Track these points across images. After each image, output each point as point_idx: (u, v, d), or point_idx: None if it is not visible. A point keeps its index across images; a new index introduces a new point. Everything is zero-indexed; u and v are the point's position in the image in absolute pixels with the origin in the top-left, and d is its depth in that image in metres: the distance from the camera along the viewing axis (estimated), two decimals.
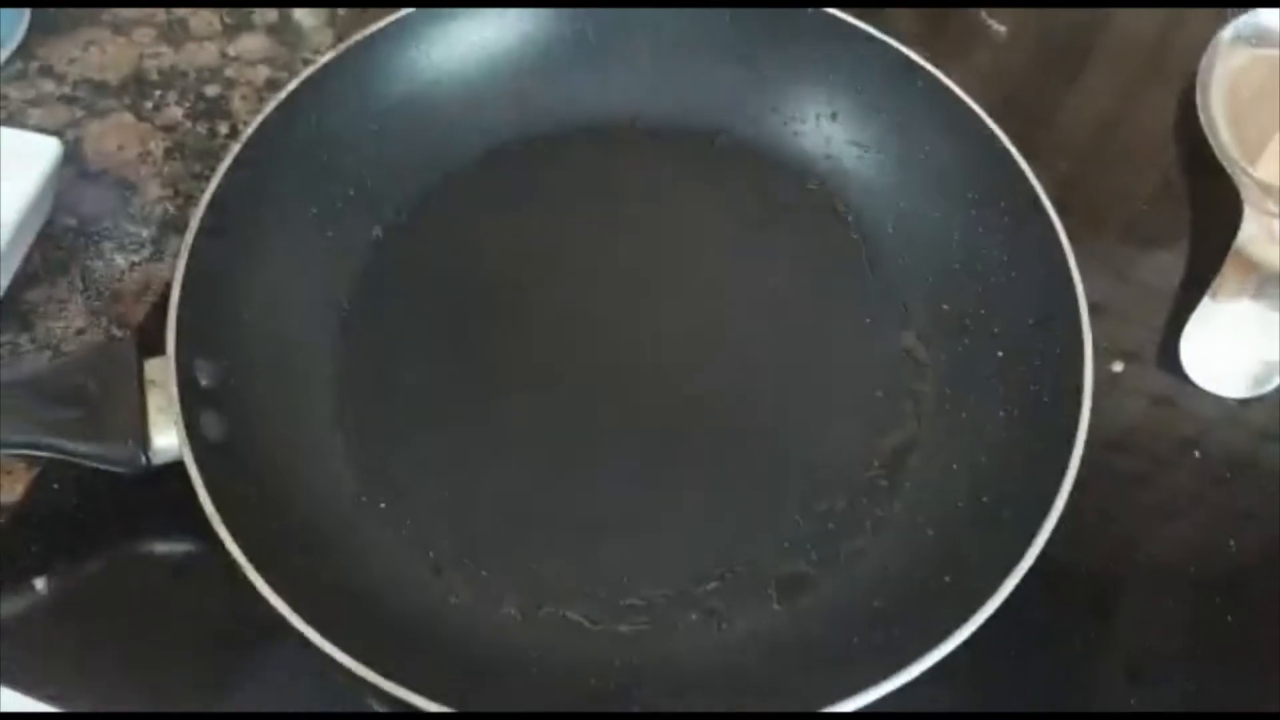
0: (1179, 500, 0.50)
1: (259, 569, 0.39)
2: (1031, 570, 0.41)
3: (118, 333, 0.50)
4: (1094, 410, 0.44)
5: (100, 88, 0.56)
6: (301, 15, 0.60)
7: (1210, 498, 0.50)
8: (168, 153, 0.55)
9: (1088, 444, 0.43)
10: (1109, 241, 0.58)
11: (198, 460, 0.41)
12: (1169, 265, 0.57)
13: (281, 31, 0.59)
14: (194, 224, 0.46)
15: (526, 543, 0.46)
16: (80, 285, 0.51)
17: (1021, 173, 0.50)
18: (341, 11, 0.60)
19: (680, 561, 0.46)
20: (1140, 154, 0.62)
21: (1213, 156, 0.58)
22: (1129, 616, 0.48)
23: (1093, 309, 0.47)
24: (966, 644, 0.40)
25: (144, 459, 0.42)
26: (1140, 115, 0.64)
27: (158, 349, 0.44)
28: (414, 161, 0.54)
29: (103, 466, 0.42)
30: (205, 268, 0.46)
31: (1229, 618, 0.47)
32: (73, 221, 0.52)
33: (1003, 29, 0.64)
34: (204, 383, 0.44)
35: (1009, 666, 0.45)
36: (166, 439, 0.42)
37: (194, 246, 0.45)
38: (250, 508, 0.42)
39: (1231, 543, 0.49)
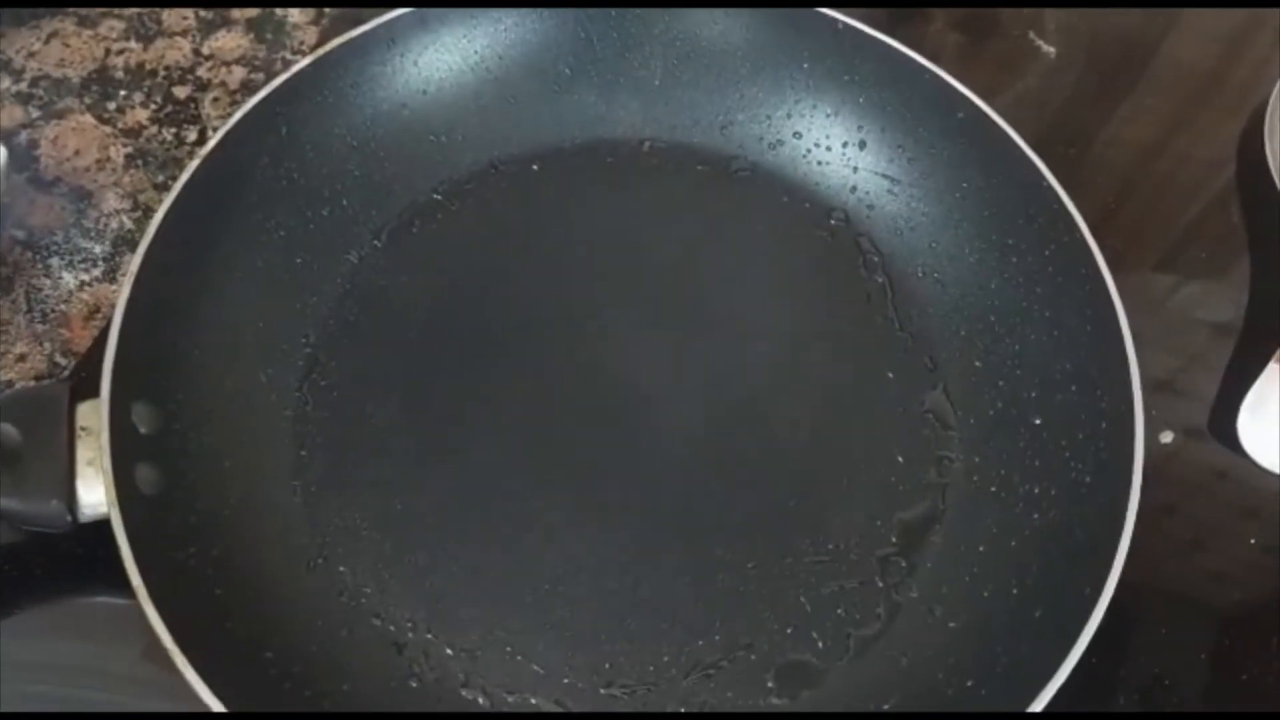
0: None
1: (184, 648, 0.35)
2: None
3: (61, 360, 0.45)
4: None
5: (60, 85, 0.52)
6: (285, 10, 0.55)
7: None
8: (129, 160, 0.50)
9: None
10: (1160, 289, 0.53)
11: (126, 518, 0.36)
12: (1227, 320, 0.52)
13: (262, 28, 0.54)
14: (143, 245, 0.41)
15: (498, 618, 0.41)
16: (24, 305, 0.46)
17: (1070, 218, 0.45)
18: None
19: (668, 646, 0.41)
20: (1198, 190, 0.57)
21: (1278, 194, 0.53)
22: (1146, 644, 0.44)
23: (1140, 368, 0.42)
24: None
25: (70, 517, 0.38)
26: (1198, 147, 0.58)
27: (98, 388, 0.39)
28: (397, 181, 0.49)
29: (25, 526, 0.38)
30: (153, 296, 0.41)
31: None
32: (20, 234, 0.48)
33: (1052, 50, 0.59)
34: (142, 429, 0.39)
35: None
36: (96, 494, 0.38)
37: (141, 271, 0.41)
38: (184, 573, 0.38)
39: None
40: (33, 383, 0.45)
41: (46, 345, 0.46)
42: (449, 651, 0.40)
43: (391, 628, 0.40)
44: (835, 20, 0.48)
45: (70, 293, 0.47)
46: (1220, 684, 0.44)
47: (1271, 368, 0.47)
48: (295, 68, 0.45)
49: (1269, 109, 0.55)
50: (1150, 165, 0.57)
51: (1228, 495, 0.47)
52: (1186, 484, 0.47)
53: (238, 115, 0.44)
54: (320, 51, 0.46)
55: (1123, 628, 0.43)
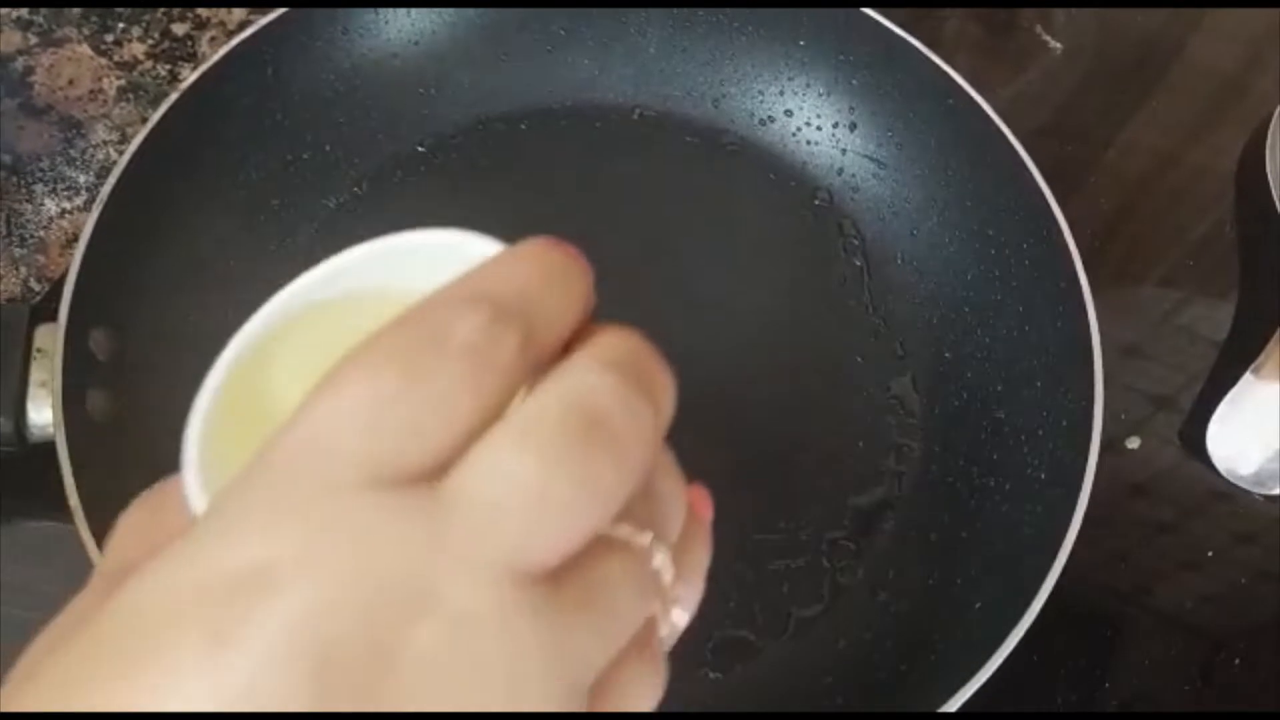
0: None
1: None
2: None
3: (35, 285, 0.46)
4: (1098, 489, 0.39)
5: (60, 14, 0.52)
6: None
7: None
8: (121, 92, 0.50)
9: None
10: (1143, 293, 0.52)
11: (71, 440, 0.37)
12: (1208, 328, 0.51)
13: None
14: (115, 172, 0.41)
15: None
16: (4, 229, 0.47)
17: (1052, 216, 0.44)
18: None
19: None
20: (1194, 199, 0.56)
21: (1275, 212, 0.52)
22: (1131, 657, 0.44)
23: (1112, 370, 0.41)
24: None
25: (19, 436, 0.38)
26: (1200, 156, 0.57)
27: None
28: (382, 131, 0.49)
29: None
30: (122, 225, 0.41)
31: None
32: (7, 158, 0.48)
33: (1059, 46, 0.58)
34: (99, 356, 0.39)
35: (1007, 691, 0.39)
36: (46, 416, 0.38)
37: (111, 198, 0.41)
38: (126, 501, 0.38)
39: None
40: (4, 304, 0.45)
41: (22, 269, 0.46)
42: None
43: None
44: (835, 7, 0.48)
45: (51, 219, 0.47)
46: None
47: (1246, 379, 0.46)
48: (285, 9, 0.45)
49: (1271, 125, 0.54)
50: (1153, 171, 0.56)
51: (1187, 502, 0.47)
52: (1145, 489, 0.46)
53: (222, 51, 0.44)
54: None
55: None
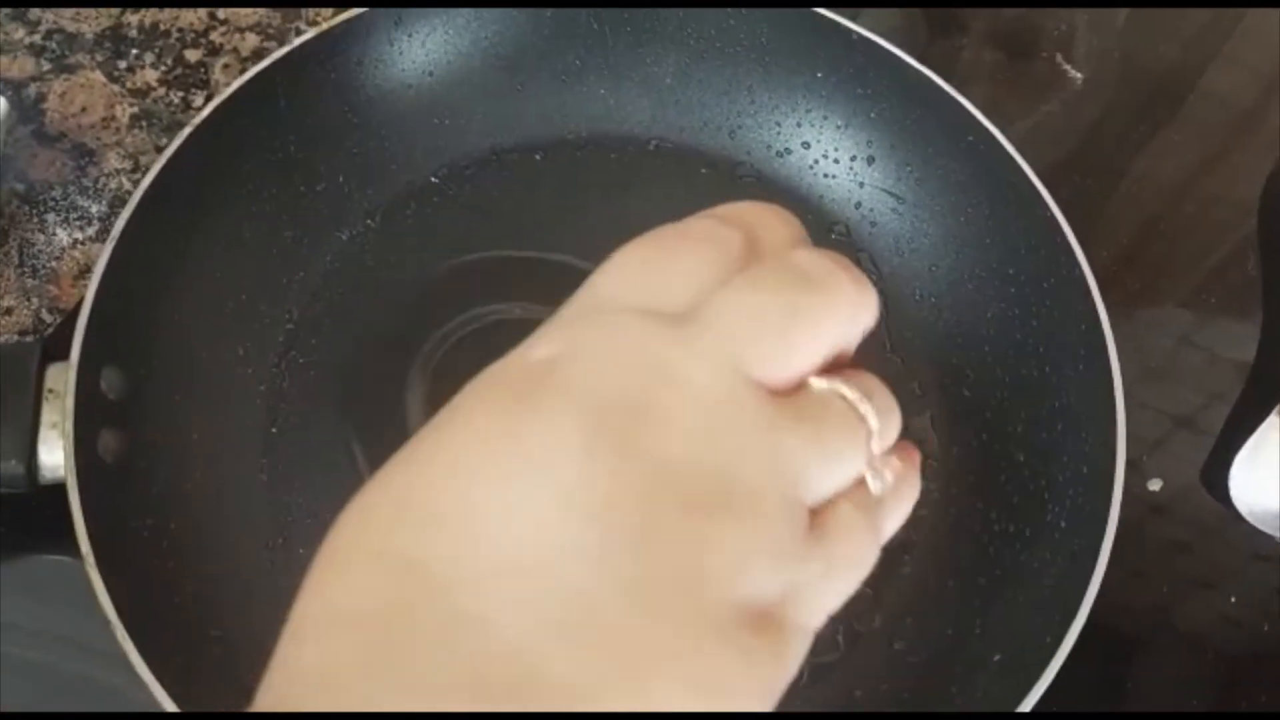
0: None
1: (126, 620, 0.35)
2: None
3: (47, 317, 0.46)
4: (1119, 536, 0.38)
5: (73, 40, 0.52)
6: None
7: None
8: (134, 120, 0.50)
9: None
10: (1162, 331, 0.52)
11: (82, 486, 0.36)
12: (1231, 367, 0.50)
13: None
14: (128, 208, 0.41)
15: None
16: (16, 259, 0.46)
17: (1072, 253, 0.43)
18: None
19: None
20: (1216, 232, 0.55)
21: None
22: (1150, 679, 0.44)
23: (1134, 408, 0.41)
24: None
25: (29, 478, 0.38)
26: (1222, 187, 0.57)
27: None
28: (395, 162, 0.48)
29: None
30: (135, 260, 0.41)
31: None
32: (20, 187, 0.48)
33: (1079, 76, 0.57)
34: (110, 395, 0.39)
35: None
36: (57, 457, 0.38)
37: (124, 235, 0.40)
38: (138, 544, 0.38)
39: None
40: (15, 338, 0.45)
41: (34, 300, 0.46)
42: None
43: None
44: (851, 31, 0.47)
45: (63, 250, 0.47)
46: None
47: (1271, 420, 0.46)
48: (300, 40, 0.45)
49: None
50: (1174, 203, 0.56)
51: (1220, 555, 0.46)
52: (1168, 539, 0.46)
53: (237, 84, 0.44)
54: (325, 27, 0.45)
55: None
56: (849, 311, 0.24)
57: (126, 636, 0.34)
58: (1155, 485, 0.46)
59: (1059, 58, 0.57)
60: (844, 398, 0.23)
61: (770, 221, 0.26)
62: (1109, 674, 0.43)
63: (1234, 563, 0.46)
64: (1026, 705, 0.35)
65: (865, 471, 0.24)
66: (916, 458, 0.26)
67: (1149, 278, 0.53)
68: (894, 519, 0.25)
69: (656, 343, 0.22)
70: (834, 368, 0.24)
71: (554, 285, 0.46)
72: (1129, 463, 0.39)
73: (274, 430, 0.43)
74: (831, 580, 0.23)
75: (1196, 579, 0.46)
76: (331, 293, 0.46)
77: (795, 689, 0.40)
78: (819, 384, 0.23)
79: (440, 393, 0.43)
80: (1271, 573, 0.46)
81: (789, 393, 0.23)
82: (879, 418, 0.24)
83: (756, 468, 0.21)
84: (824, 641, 0.41)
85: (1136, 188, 0.56)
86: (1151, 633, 0.45)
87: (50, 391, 0.38)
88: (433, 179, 0.49)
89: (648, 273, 0.24)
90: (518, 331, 0.45)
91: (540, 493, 0.20)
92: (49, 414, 0.38)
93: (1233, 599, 0.45)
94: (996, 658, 0.38)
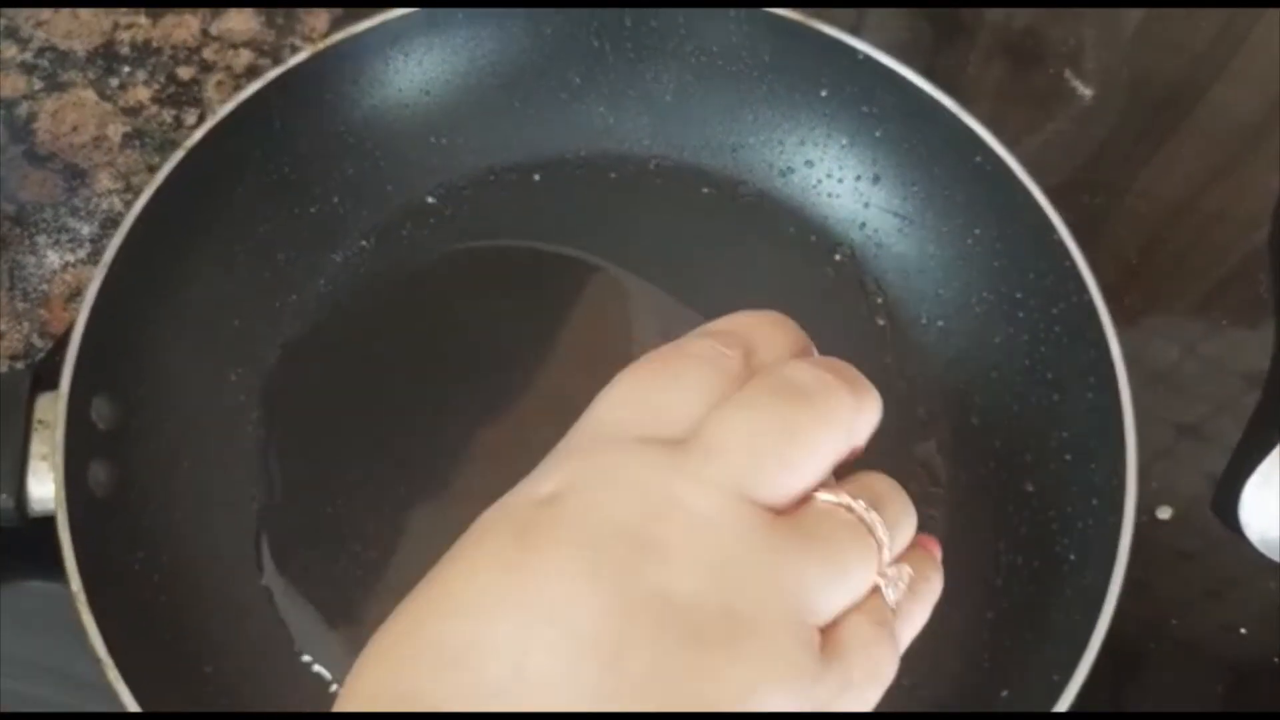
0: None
1: (117, 657, 0.34)
2: None
3: (38, 342, 0.45)
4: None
5: (65, 58, 0.51)
6: None
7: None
8: (126, 139, 0.49)
9: None
10: (1172, 352, 0.51)
11: (72, 521, 0.36)
12: (1235, 380, 0.50)
13: (273, 11, 0.53)
14: (121, 231, 0.40)
15: None
16: (7, 282, 0.46)
17: (1080, 278, 0.42)
18: None
19: None
20: (1225, 253, 0.54)
21: None
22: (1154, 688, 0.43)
23: (1143, 439, 0.40)
24: None
25: (19, 511, 0.37)
26: (1231, 202, 0.56)
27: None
28: (391, 182, 0.47)
29: None
30: (126, 288, 0.40)
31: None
32: (10, 208, 0.47)
33: (1089, 91, 0.56)
34: (100, 425, 0.38)
35: None
36: (47, 490, 0.37)
37: (115, 263, 0.40)
38: (129, 579, 0.37)
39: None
40: (6, 362, 0.44)
41: (25, 325, 0.45)
42: None
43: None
44: (856, 50, 0.46)
45: (54, 273, 0.46)
46: None
47: None
48: (293, 61, 0.44)
49: None
50: (1182, 222, 0.55)
51: (1224, 572, 0.46)
52: (1168, 557, 0.45)
53: (229, 106, 0.43)
54: (320, 46, 0.45)
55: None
56: (848, 421, 0.24)
57: (117, 674, 0.34)
58: (1165, 514, 0.45)
59: (1067, 72, 0.56)
60: (851, 509, 0.23)
61: (767, 332, 0.26)
62: (1111, 686, 0.43)
63: (1238, 574, 0.45)
64: None
65: (878, 580, 0.24)
66: (937, 552, 0.27)
67: (1157, 292, 0.53)
68: (913, 624, 0.26)
69: (657, 474, 0.22)
70: (846, 468, 0.24)
71: (553, 302, 0.46)
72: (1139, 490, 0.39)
73: (268, 458, 0.42)
74: (850, 694, 0.22)
75: (1201, 591, 0.45)
76: (325, 315, 0.45)
77: None
78: (825, 497, 0.23)
79: (438, 417, 0.42)
80: (1276, 584, 0.45)
81: (795, 509, 0.23)
82: (890, 528, 0.24)
83: (761, 594, 0.21)
84: None
85: (1145, 202, 0.55)
86: (1154, 645, 0.44)
87: (40, 422, 0.38)
88: (429, 199, 0.48)
89: (647, 399, 0.24)
90: (513, 353, 0.44)
91: (549, 632, 0.20)
92: (38, 445, 0.37)
93: (1235, 611, 0.45)
94: (1004, 694, 0.37)
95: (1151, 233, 0.54)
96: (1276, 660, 0.43)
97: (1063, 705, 0.35)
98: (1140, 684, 0.44)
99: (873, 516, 0.23)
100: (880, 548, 0.23)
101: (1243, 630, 0.44)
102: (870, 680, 0.23)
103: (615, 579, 0.21)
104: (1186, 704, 0.43)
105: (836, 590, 0.22)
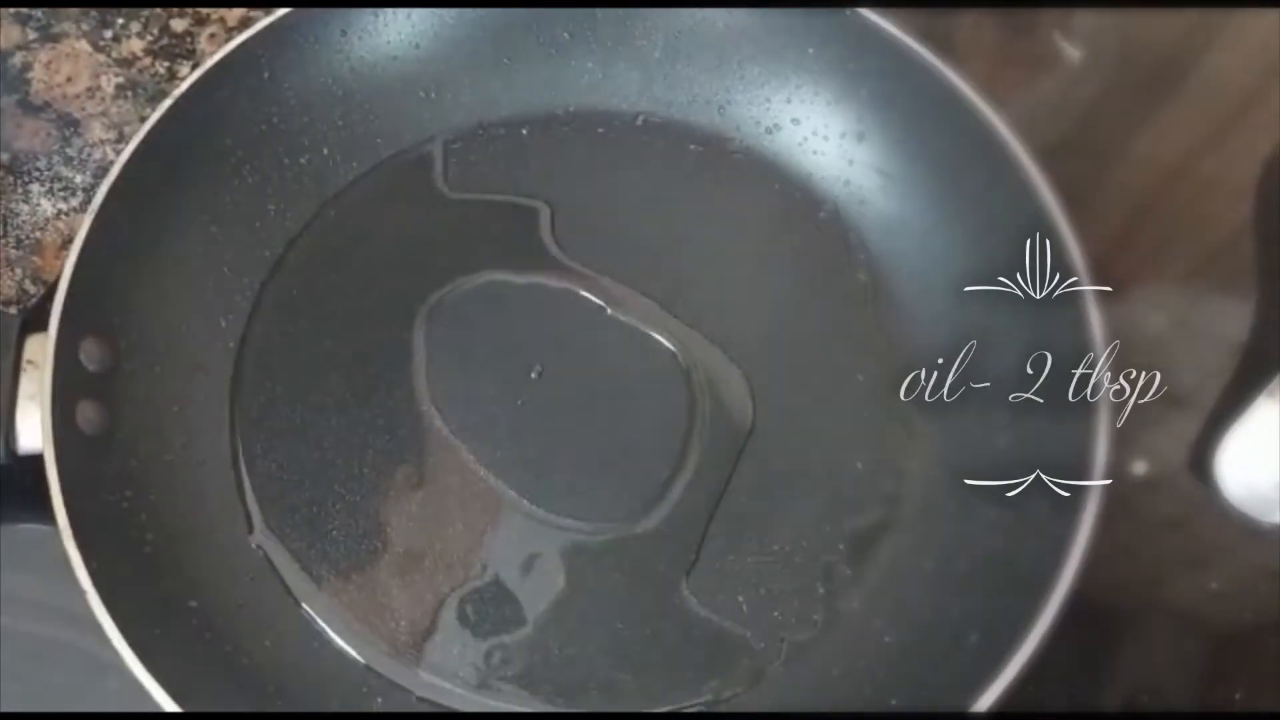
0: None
1: (102, 591, 0.35)
2: None
3: (30, 288, 0.45)
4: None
5: (59, 9, 0.51)
6: None
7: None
8: (119, 90, 0.50)
9: None
10: (1156, 314, 0.51)
11: (60, 457, 0.36)
12: (1222, 349, 0.50)
13: None
14: (109, 180, 0.41)
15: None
16: (1, 230, 0.46)
17: (1060, 238, 0.43)
18: None
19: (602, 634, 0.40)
20: (1211, 216, 0.55)
21: None
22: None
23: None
24: None
25: (6, 449, 0.38)
26: (1220, 170, 0.56)
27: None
28: (382, 135, 0.48)
29: None
30: (116, 232, 0.41)
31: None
32: (4, 157, 0.48)
33: (1077, 53, 0.56)
34: (90, 367, 0.39)
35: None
36: (35, 429, 0.38)
37: (104, 207, 0.40)
38: (116, 517, 0.38)
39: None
40: (0, 308, 0.45)
41: (18, 271, 0.46)
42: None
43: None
44: (844, 9, 0.46)
45: (47, 220, 0.47)
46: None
47: (1260, 403, 0.45)
48: (283, 11, 0.45)
49: None
50: (1171, 187, 0.55)
51: (1195, 533, 0.46)
52: (1152, 522, 0.45)
53: (218, 55, 0.43)
54: None
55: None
56: None
57: (102, 607, 0.34)
58: (1140, 468, 0.46)
59: (1058, 35, 0.56)
60: None
61: None
62: (1092, 651, 0.43)
63: (1221, 540, 0.46)
64: (1001, 683, 0.35)
65: None
66: None
67: (1144, 258, 0.53)
68: None
69: None
70: None
71: (537, 257, 0.46)
72: (1117, 443, 0.39)
73: (255, 402, 0.43)
74: None
75: (1182, 556, 0.45)
76: (315, 264, 0.46)
77: (773, 666, 0.40)
78: None
79: (423, 365, 0.43)
80: (1259, 550, 0.45)
81: None
82: None
83: None
84: (802, 619, 0.41)
85: (1133, 168, 0.55)
86: (1135, 610, 0.44)
87: (29, 363, 0.38)
88: (418, 152, 0.48)
89: None
90: (498, 304, 0.44)
91: None
92: (27, 385, 0.38)
93: (1218, 577, 0.45)
94: (974, 638, 0.38)
95: (1140, 199, 0.55)
96: (1252, 606, 0.44)
97: (1022, 655, 0.36)
98: (1122, 647, 0.44)
99: None
100: None
101: (1216, 587, 0.45)
102: None
103: None
104: (1169, 667, 0.44)
105: None
